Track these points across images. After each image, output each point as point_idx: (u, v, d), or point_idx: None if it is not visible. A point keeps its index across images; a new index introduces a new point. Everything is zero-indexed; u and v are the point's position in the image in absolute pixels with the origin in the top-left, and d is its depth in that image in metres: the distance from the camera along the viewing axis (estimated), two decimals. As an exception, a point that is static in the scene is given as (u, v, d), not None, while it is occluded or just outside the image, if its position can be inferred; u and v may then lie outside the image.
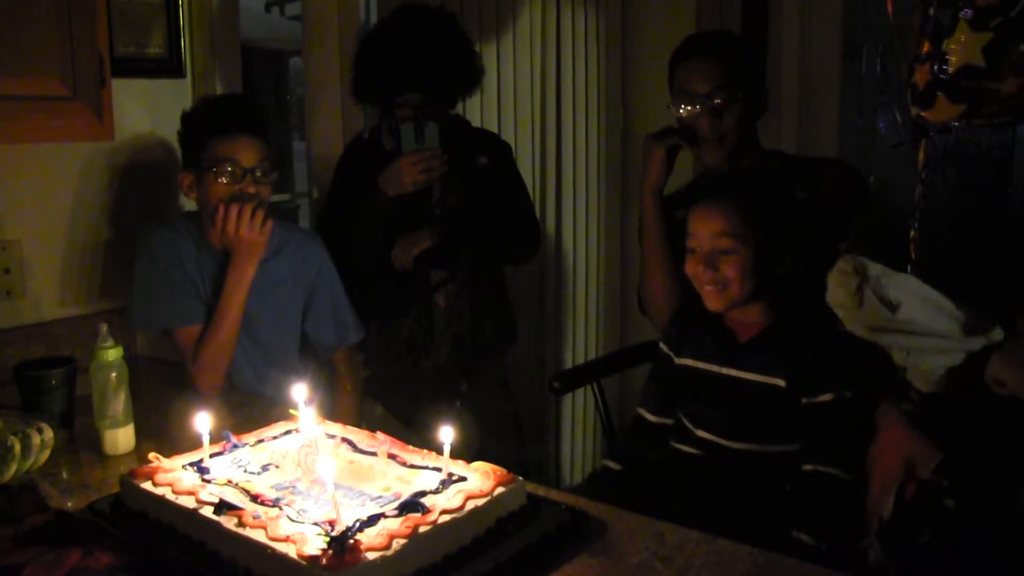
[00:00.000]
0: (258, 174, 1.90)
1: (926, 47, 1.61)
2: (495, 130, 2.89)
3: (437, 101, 2.21)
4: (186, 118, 1.99)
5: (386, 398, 2.33)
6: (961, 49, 1.51)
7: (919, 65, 1.62)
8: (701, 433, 1.71)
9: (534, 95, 3.11)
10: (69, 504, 1.36)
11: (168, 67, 2.21)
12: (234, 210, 1.85)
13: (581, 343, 3.44)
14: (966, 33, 1.50)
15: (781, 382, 1.64)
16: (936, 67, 1.57)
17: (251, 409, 1.80)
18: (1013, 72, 1.47)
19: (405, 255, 2.21)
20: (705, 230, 1.68)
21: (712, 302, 1.70)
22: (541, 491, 1.33)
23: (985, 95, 1.56)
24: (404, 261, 2.22)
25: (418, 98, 2.18)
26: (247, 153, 1.89)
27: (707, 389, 1.73)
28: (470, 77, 2.27)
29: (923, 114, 1.68)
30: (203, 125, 1.93)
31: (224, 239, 1.88)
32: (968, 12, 1.47)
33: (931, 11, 1.57)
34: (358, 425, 1.48)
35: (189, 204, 2.17)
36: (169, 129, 2.18)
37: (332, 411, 1.96)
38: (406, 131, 2.16)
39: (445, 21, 2.25)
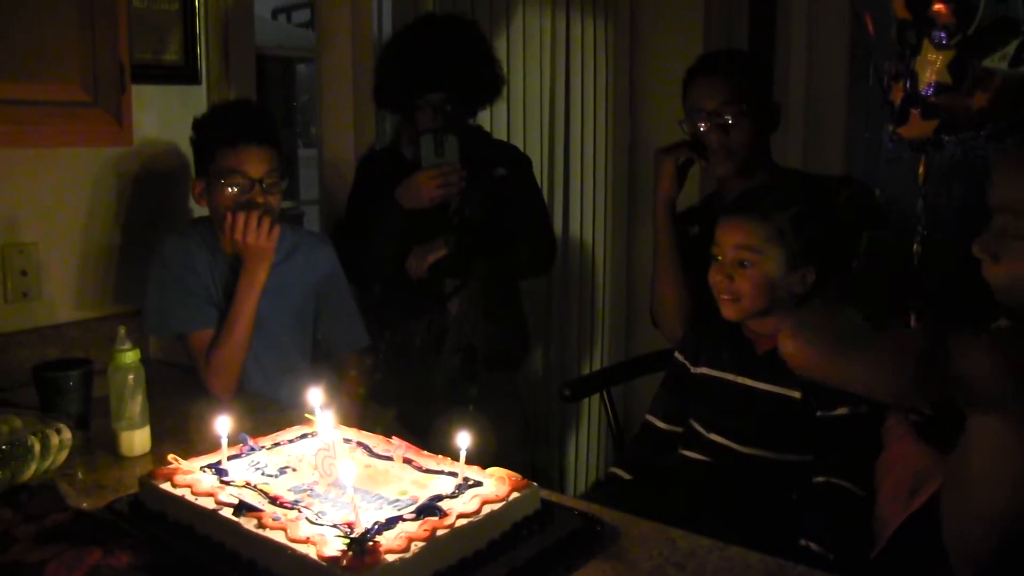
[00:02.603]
0: (266, 184, 1.92)
1: (901, 66, 1.64)
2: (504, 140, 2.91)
3: (459, 102, 2.22)
4: (197, 125, 2.01)
5: (399, 403, 2.35)
6: (929, 67, 1.55)
7: (895, 83, 1.66)
8: (713, 436, 1.74)
9: (543, 106, 3.13)
10: (85, 504, 1.37)
11: (184, 74, 2.24)
12: (241, 217, 1.87)
13: (587, 351, 3.46)
14: (932, 51, 1.54)
15: (796, 394, 1.66)
16: (908, 85, 1.60)
17: (265, 413, 1.81)
18: (980, 87, 1.50)
19: (420, 263, 2.22)
20: (728, 240, 1.71)
21: (726, 310, 1.74)
22: (554, 497, 1.35)
23: (956, 111, 1.59)
24: (419, 269, 2.23)
25: (441, 98, 2.19)
26: (255, 164, 1.91)
27: (722, 397, 1.75)
28: (492, 83, 2.29)
29: (899, 131, 1.71)
30: (213, 134, 1.95)
31: (233, 245, 1.91)
32: (940, 35, 1.51)
33: (904, 30, 1.61)
34: (368, 430, 1.50)
35: (201, 209, 2.20)
36: (184, 135, 2.20)
37: (348, 416, 1.98)
38: (426, 144, 2.15)
39: (468, 26, 2.28)
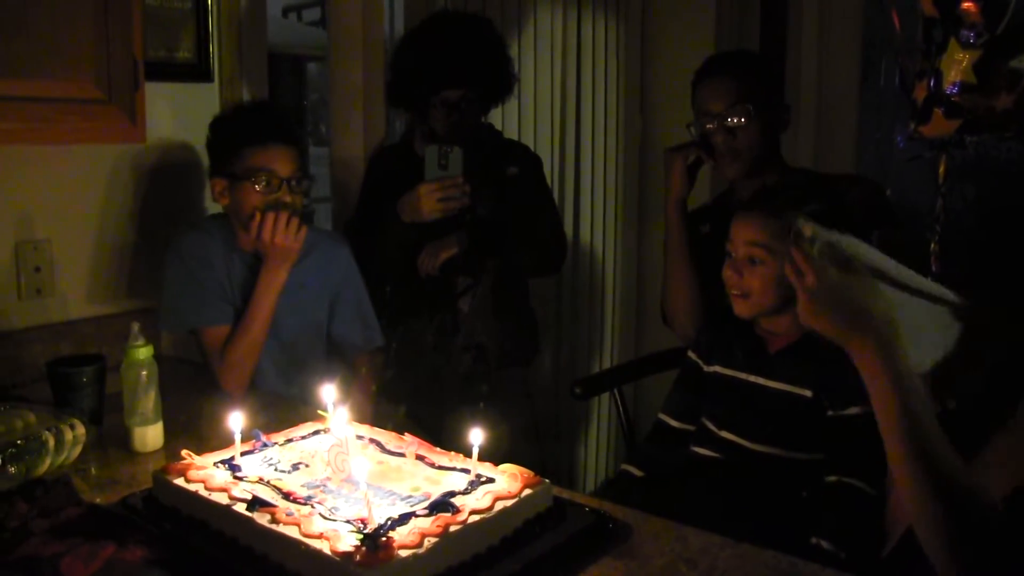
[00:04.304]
0: (293, 183, 1.94)
1: (926, 64, 1.63)
2: (515, 139, 2.91)
3: (474, 100, 2.22)
4: (217, 125, 2.02)
5: (410, 401, 2.35)
6: (954, 66, 1.53)
7: (919, 81, 1.65)
8: (724, 434, 1.74)
9: (554, 105, 3.13)
10: (99, 499, 1.38)
11: (197, 72, 2.24)
12: (270, 218, 1.88)
13: (597, 349, 3.46)
14: (958, 50, 1.52)
15: (808, 393, 1.66)
16: (932, 84, 1.59)
17: (277, 409, 1.82)
18: (1005, 88, 1.49)
19: (432, 261, 2.22)
20: (740, 237, 1.71)
21: (737, 307, 1.74)
22: (566, 494, 1.35)
23: (980, 111, 1.58)
24: (430, 267, 2.23)
25: (456, 96, 2.19)
26: (283, 163, 1.93)
27: (733, 395, 1.76)
28: (506, 81, 2.29)
29: (921, 129, 1.70)
30: (238, 134, 1.96)
31: (259, 244, 1.91)
32: (968, 34, 1.49)
33: (931, 28, 1.60)
34: (380, 427, 1.51)
35: (215, 206, 2.20)
36: (197, 132, 2.21)
37: (361, 413, 1.99)
38: (429, 156, 2.12)
39: (483, 24, 2.28)
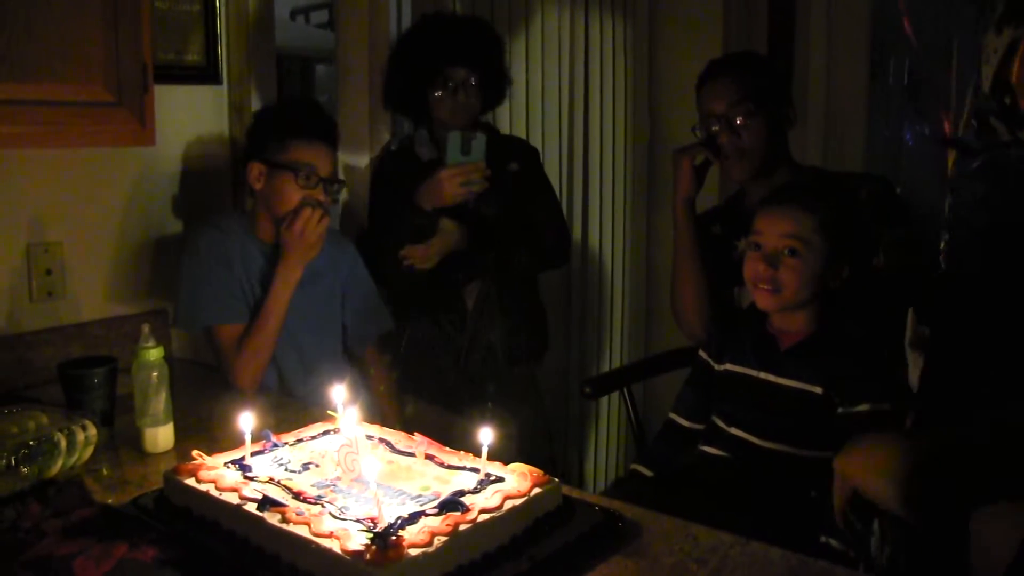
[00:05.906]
0: (330, 184, 1.99)
1: None
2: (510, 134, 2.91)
3: (475, 86, 2.23)
4: (266, 114, 2.10)
5: (417, 401, 2.35)
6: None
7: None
8: (733, 431, 1.74)
9: (562, 103, 3.13)
10: (110, 500, 1.39)
11: (206, 74, 2.25)
12: (307, 211, 1.93)
13: (606, 349, 3.46)
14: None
15: (818, 390, 1.66)
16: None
17: (287, 410, 1.83)
18: None
19: (427, 252, 2.23)
20: (775, 229, 1.70)
21: (764, 301, 1.72)
22: (576, 493, 1.35)
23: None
24: (422, 262, 2.23)
25: (460, 74, 2.21)
26: (325, 162, 1.99)
27: (744, 392, 1.76)
28: (505, 77, 2.31)
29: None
30: (288, 124, 2.01)
31: (284, 235, 1.94)
32: None
33: None
34: (390, 426, 1.51)
35: (223, 208, 2.21)
36: (206, 134, 2.23)
37: (372, 412, 2.00)
38: (452, 141, 2.14)
39: (478, 18, 2.34)
